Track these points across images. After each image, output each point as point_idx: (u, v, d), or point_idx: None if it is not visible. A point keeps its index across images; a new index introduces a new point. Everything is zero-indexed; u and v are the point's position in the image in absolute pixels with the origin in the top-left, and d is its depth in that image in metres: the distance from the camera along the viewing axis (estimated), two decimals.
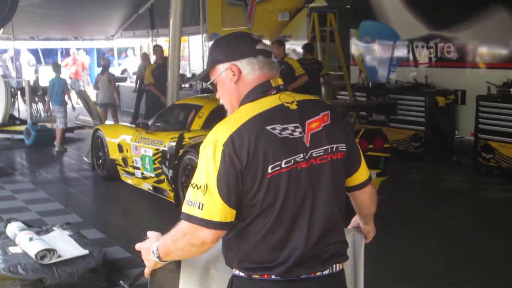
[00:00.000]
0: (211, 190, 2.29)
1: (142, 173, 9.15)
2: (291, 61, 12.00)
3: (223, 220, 2.30)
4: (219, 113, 8.30)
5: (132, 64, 28.06)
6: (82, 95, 12.61)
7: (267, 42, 15.33)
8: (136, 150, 9.23)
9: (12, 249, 5.69)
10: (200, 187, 2.30)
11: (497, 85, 10.32)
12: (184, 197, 7.28)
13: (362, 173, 2.71)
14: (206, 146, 2.37)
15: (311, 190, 2.44)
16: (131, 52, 30.81)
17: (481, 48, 11.63)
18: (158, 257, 2.48)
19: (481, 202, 8.94)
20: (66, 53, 28.29)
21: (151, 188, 8.99)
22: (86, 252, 5.61)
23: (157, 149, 8.65)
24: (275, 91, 2.50)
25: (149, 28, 22.54)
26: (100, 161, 10.28)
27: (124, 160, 9.62)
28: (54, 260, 5.36)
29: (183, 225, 2.34)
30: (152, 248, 2.49)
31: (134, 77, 21.05)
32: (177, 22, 12.10)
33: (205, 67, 2.67)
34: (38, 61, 26.49)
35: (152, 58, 16.67)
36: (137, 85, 17.24)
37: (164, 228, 7.09)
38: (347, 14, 14.56)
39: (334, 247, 2.52)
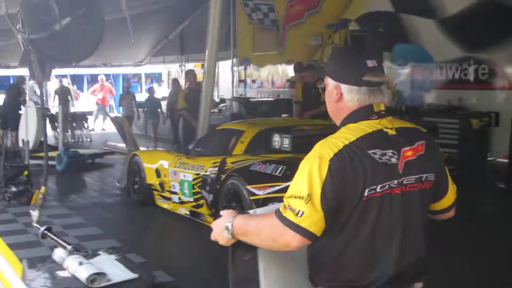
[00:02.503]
0: (314, 200, 2.35)
1: (179, 198, 9.13)
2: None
3: (316, 232, 2.37)
4: (261, 138, 8.45)
5: (160, 90, 28.21)
6: (118, 121, 12.64)
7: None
8: (174, 175, 9.22)
9: (61, 273, 5.69)
10: (302, 197, 2.36)
11: None
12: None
13: (448, 199, 2.79)
14: (310, 159, 2.43)
15: (402, 216, 2.51)
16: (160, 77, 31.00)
17: None
18: (232, 233, 2.55)
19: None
20: (92, 79, 28.56)
21: (188, 213, 8.97)
22: (135, 275, 5.59)
23: (197, 174, 8.63)
24: (376, 116, 2.56)
25: (178, 54, 22.69)
26: (136, 186, 10.26)
27: (161, 185, 9.60)
28: (104, 283, 5.35)
29: (273, 221, 2.40)
30: (227, 223, 2.56)
31: (162, 103, 21.11)
32: (213, 47, 12.15)
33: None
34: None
35: (182, 84, 16.81)
36: (168, 112, 17.33)
37: (202, 252, 7.07)
38: (380, 37, 14.52)
39: (418, 269, 2.60)
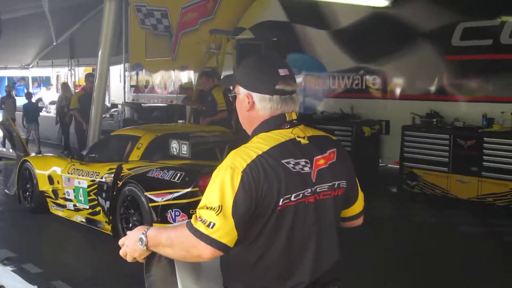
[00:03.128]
0: (225, 212, 2.33)
1: (74, 205, 8.94)
2: (217, 94, 11.91)
3: (228, 243, 2.35)
4: (158, 144, 8.36)
5: (48, 93, 27.58)
6: (6, 125, 12.22)
7: (191, 72, 15.34)
8: (68, 181, 9.02)
9: None
10: (214, 208, 2.34)
11: (421, 116, 10.79)
12: (122, 229, 7.17)
13: (358, 205, 2.86)
14: (222, 170, 2.41)
15: (316, 224, 2.53)
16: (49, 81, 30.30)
17: (405, 80, 12.01)
18: (146, 245, 2.50)
19: (412, 226, 9.22)
20: None
21: (84, 220, 8.79)
22: (34, 287, 5.45)
23: (92, 181, 8.47)
24: (288, 125, 2.56)
25: (68, 57, 22.27)
26: (28, 193, 9.97)
27: (55, 192, 9.38)
28: None
29: (185, 233, 2.38)
30: (141, 235, 2.52)
31: (51, 107, 20.70)
32: (105, 52, 12.01)
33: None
34: None
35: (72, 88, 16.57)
36: (58, 117, 17.00)
37: (101, 260, 6.96)
38: (274, 46, 14.68)
39: (332, 275, 2.64)
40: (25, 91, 21.19)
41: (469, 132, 9.96)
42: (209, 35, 13.98)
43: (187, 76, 17.32)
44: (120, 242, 2.63)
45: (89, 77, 14.44)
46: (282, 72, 2.56)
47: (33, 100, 19.56)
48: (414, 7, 11.36)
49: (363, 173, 11.30)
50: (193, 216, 2.39)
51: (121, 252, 2.63)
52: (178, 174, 7.23)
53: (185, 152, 7.89)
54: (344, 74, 12.81)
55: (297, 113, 2.63)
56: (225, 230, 2.33)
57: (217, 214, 2.33)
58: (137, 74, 19.42)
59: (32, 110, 18.79)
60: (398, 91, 12.04)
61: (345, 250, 2.68)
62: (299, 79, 13.79)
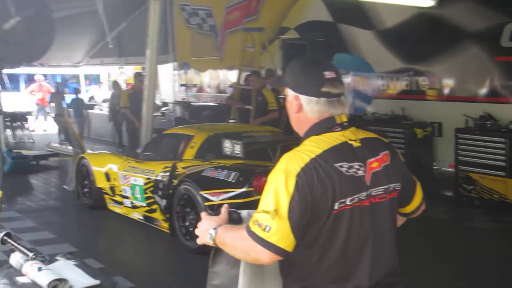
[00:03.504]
0: (281, 215, 2.35)
1: (131, 202, 9.20)
2: (267, 94, 12.14)
3: (284, 248, 2.37)
4: (211, 144, 8.56)
5: (100, 91, 28.04)
6: (61, 122, 12.57)
7: (235, 72, 15.51)
8: (125, 179, 9.29)
9: (20, 279, 5.70)
10: (269, 212, 2.37)
11: (474, 118, 10.53)
12: (179, 227, 7.33)
13: (416, 199, 2.90)
14: (277, 174, 2.43)
15: (373, 228, 2.56)
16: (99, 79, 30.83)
17: (455, 82, 11.87)
18: (214, 240, 2.56)
19: (467, 232, 9.08)
20: (29, 79, 28.12)
21: (141, 218, 9.02)
22: (97, 282, 5.65)
23: (148, 178, 8.71)
24: (339, 128, 2.57)
25: (117, 56, 22.59)
26: (86, 189, 10.29)
27: (112, 189, 9.66)
28: None
29: (245, 235, 2.42)
30: (210, 231, 2.56)
31: (103, 105, 21.11)
32: (153, 50, 12.23)
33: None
34: (3, 87, 26.29)
35: (123, 86, 16.88)
36: (111, 114, 17.37)
37: (159, 257, 7.15)
38: (319, 46, 14.76)
39: (392, 281, 2.68)
40: (57, 86, 22.68)
41: None
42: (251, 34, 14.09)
43: (235, 75, 17.51)
44: (202, 215, 2.71)
45: (138, 76, 14.66)
46: (328, 74, 2.56)
47: (79, 95, 20.80)
48: (460, 7, 11.24)
49: (416, 176, 11.37)
50: (251, 219, 2.43)
51: (197, 233, 2.67)
52: (233, 174, 7.40)
53: (238, 152, 7.96)
54: (393, 75, 12.74)
55: (348, 115, 2.63)
56: (281, 234, 2.34)
57: (273, 218, 2.34)
58: (185, 73, 19.65)
59: (78, 105, 20.08)
60: (449, 92, 11.88)
61: (399, 254, 2.76)
62: (347, 79, 13.80)
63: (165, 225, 8.37)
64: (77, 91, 21.53)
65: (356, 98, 13.69)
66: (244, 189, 7.22)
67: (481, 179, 10.08)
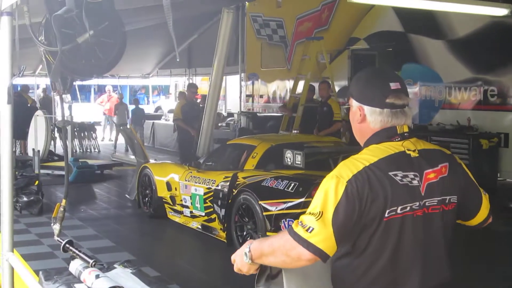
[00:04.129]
0: (325, 218, 2.36)
1: (191, 212, 9.22)
2: (334, 105, 12.06)
3: (325, 250, 2.36)
4: (272, 154, 8.49)
5: (167, 102, 28.42)
6: (127, 132, 12.70)
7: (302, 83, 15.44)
8: (186, 188, 9.30)
9: (78, 286, 5.70)
10: (314, 213, 2.38)
11: None
12: (237, 237, 7.31)
13: (482, 212, 2.82)
14: (329, 179, 2.45)
15: (424, 239, 2.52)
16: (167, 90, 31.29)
17: None
18: (251, 258, 2.56)
19: None
20: (99, 90, 28.73)
21: (200, 227, 9.04)
22: None
23: (208, 188, 8.71)
24: (399, 138, 2.57)
25: (186, 67, 22.83)
26: (147, 199, 10.35)
27: (172, 198, 9.69)
28: None
29: (285, 237, 2.43)
30: (245, 250, 2.58)
31: (169, 115, 21.36)
32: (221, 62, 12.30)
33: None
34: (74, 98, 26.87)
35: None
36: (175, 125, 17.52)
37: (216, 267, 7.11)
38: (388, 56, 14.61)
39: None
40: (120, 97, 23.46)
41: None
42: (325, 45, 14.04)
43: (301, 86, 17.42)
44: (232, 258, 2.70)
45: (191, 87, 14.98)
46: (394, 85, 2.58)
47: (139, 106, 22.07)
48: None
49: (481, 187, 11.22)
50: (295, 221, 2.44)
51: (235, 268, 2.69)
52: (292, 184, 7.30)
53: (299, 162, 7.93)
54: (461, 85, 12.57)
55: (410, 126, 2.63)
56: (323, 236, 2.35)
57: (317, 220, 2.36)
58: (252, 84, 19.71)
59: (139, 115, 21.44)
60: None
61: (459, 265, 2.64)
62: (414, 89, 13.66)
63: (222, 235, 8.35)
64: (136, 101, 22.70)
65: (423, 108, 13.47)
66: (302, 199, 7.09)
67: None
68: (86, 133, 20.39)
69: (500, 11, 10.81)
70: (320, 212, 2.37)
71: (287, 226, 7.11)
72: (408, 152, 2.55)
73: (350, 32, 15.55)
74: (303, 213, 3.25)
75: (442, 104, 13.13)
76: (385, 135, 2.58)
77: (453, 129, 12.14)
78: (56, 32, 4.49)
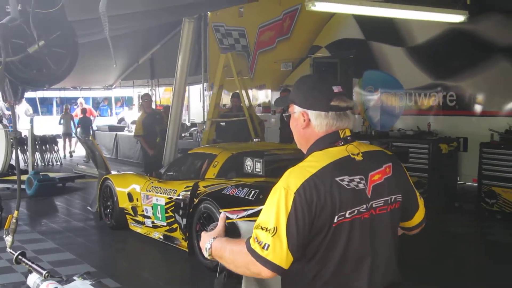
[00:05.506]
0: (279, 234, 2.38)
1: (152, 222, 9.16)
2: None
3: (281, 265, 2.39)
4: (233, 162, 8.47)
5: (130, 113, 28.30)
6: (88, 144, 12.59)
7: (268, 91, 15.61)
8: (147, 199, 9.25)
9: None
10: (269, 230, 2.39)
11: (499, 133, 10.62)
12: (198, 246, 7.29)
13: (420, 214, 2.88)
14: (277, 191, 2.46)
15: (372, 240, 2.56)
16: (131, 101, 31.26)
17: (482, 97, 11.79)
18: (210, 255, 2.63)
19: (487, 245, 9.12)
20: (61, 102, 28.52)
21: (161, 237, 8.98)
22: None
23: (170, 198, 8.67)
24: (342, 143, 2.61)
25: (149, 78, 22.75)
26: (108, 210, 10.26)
27: (134, 209, 9.63)
28: None
29: (244, 251, 2.45)
30: (206, 245, 2.64)
31: (132, 126, 21.23)
32: (183, 71, 12.27)
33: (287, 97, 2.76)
34: (35, 111, 26.59)
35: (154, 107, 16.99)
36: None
37: (178, 276, 7.05)
38: (349, 64, 14.70)
39: None
40: (81, 107, 24.44)
41: None
42: (286, 54, 14.08)
43: (264, 94, 17.47)
44: (202, 233, 2.77)
45: (145, 97, 14.76)
46: (336, 89, 2.62)
47: (86, 115, 23.23)
48: (491, 22, 11.20)
49: (440, 191, 11.34)
50: (252, 235, 2.45)
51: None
52: (253, 192, 7.30)
53: (259, 170, 7.93)
54: (421, 91, 12.68)
55: (352, 130, 2.68)
56: (278, 252, 2.37)
57: (272, 236, 2.38)
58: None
59: (86, 124, 22.41)
60: (475, 107, 11.84)
61: (418, 266, 2.67)
62: (375, 96, 13.77)
63: (184, 244, 8.31)
64: (83, 111, 23.40)
65: (384, 114, 13.59)
66: (263, 207, 7.02)
67: (504, 193, 10.27)
68: (47, 146, 20.18)
69: (457, 18, 10.92)
70: (274, 228, 2.38)
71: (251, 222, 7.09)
72: (352, 156, 2.58)
73: (312, 41, 15.58)
74: None
75: (403, 110, 13.22)
76: (329, 140, 2.61)
77: (413, 135, 12.22)
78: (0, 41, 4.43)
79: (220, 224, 2.72)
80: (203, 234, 2.73)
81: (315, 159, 2.55)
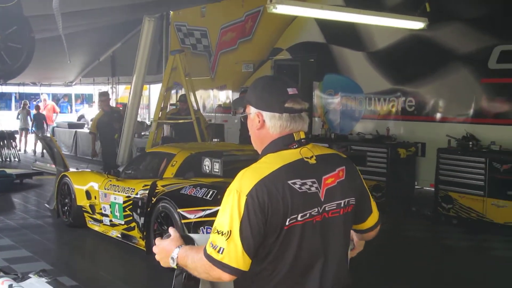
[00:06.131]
0: (233, 237, 2.39)
1: (110, 220, 9.13)
2: None
3: (239, 268, 2.40)
4: (192, 162, 8.47)
5: (90, 110, 28.09)
6: (47, 141, 12.48)
7: (229, 92, 15.67)
8: (105, 197, 9.21)
9: None
10: (224, 233, 2.40)
11: (456, 139, 10.75)
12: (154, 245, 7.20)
13: (374, 217, 2.88)
14: (230, 194, 2.47)
15: (324, 243, 2.58)
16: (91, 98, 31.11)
17: (441, 103, 11.95)
18: (177, 264, 2.60)
19: (443, 250, 9.19)
20: (20, 97, 28.19)
21: (119, 236, 8.95)
22: None
23: (128, 197, 8.65)
24: (296, 145, 2.62)
25: (109, 75, 22.61)
26: (66, 207, 10.19)
27: (92, 207, 9.58)
28: None
29: (203, 258, 2.46)
30: (172, 255, 2.60)
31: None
32: (141, 70, 12.24)
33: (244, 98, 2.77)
34: None
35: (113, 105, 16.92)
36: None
37: (135, 275, 7.07)
38: (310, 67, 14.80)
39: None
40: (35, 104, 25.07)
41: (505, 156, 9.87)
42: (247, 55, 14.11)
43: (225, 95, 17.50)
44: (157, 242, 2.72)
45: (101, 96, 14.76)
46: (291, 91, 2.62)
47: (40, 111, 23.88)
48: (450, 30, 11.34)
49: (398, 195, 11.48)
50: (208, 240, 2.46)
51: (156, 257, 2.71)
52: (211, 192, 7.32)
53: (217, 170, 7.93)
54: (380, 96, 12.80)
55: (306, 132, 2.68)
56: (234, 254, 2.39)
57: (226, 239, 2.39)
58: (176, 93, 19.65)
59: (39, 119, 22.74)
60: (434, 113, 11.97)
61: (374, 270, 2.69)
62: (335, 99, 13.87)
63: (142, 243, 8.30)
64: (37, 107, 23.98)
65: (344, 118, 13.69)
66: (220, 207, 7.06)
67: (460, 198, 10.40)
68: (5, 142, 19.93)
69: (416, 25, 11.10)
70: (228, 231, 2.39)
71: (205, 234, 7.11)
72: (306, 159, 2.59)
73: (274, 43, 15.66)
74: None
75: (362, 114, 13.33)
76: (282, 142, 2.62)
77: (372, 139, 12.34)
78: None
79: (174, 235, 2.69)
80: (159, 241, 2.71)
81: (268, 161, 2.56)
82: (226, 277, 2.41)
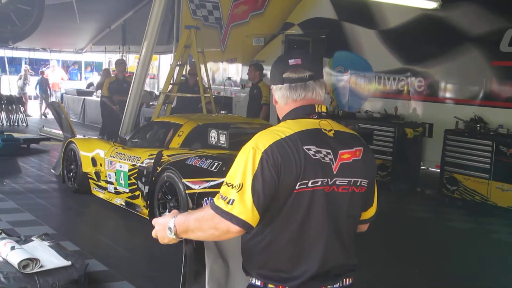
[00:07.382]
0: (245, 190, 2.42)
1: (115, 188, 9.16)
2: (263, 88, 12.17)
3: (248, 221, 2.42)
4: (198, 133, 8.48)
5: (99, 78, 28.11)
6: (55, 107, 12.48)
7: (239, 65, 15.62)
8: (110, 164, 9.24)
9: None
10: (235, 186, 2.44)
11: (464, 121, 10.71)
12: (159, 214, 7.32)
13: (372, 210, 2.89)
14: (246, 150, 2.51)
15: (331, 215, 2.58)
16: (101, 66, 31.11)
17: (450, 84, 11.91)
18: (175, 233, 2.61)
19: (446, 231, 9.18)
20: (30, 63, 28.17)
21: (123, 203, 9.00)
22: (68, 263, 5.57)
23: (133, 165, 8.67)
24: (316, 116, 2.67)
25: (120, 44, 22.55)
26: (72, 174, 10.23)
27: (97, 174, 9.62)
28: (36, 269, 5.31)
29: (210, 212, 2.47)
30: (169, 224, 2.62)
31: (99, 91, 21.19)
32: (151, 40, 12.14)
33: None
34: (3, 70, 26.23)
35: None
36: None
37: (137, 243, 7.11)
38: (321, 43, 14.75)
39: (345, 268, 2.68)
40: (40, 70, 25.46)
41: None
42: (259, 29, 14.02)
43: (235, 68, 17.45)
44: (153, 221, 2.76)
45: (119, 64, 15.00)
46: (292, 62, 2.67)
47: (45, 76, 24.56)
48: (463, 11, 11.25)
49: (403, 175, 11.45)
50: (217, 195, 2.49)
51: (153, 234, 2.76)
52: (216, 163, 7.33)
53: (223, 142, 7.97)
54: (390, 74, 12.74)
55: (327, 107, 2.74)
56: (244, 207, 2.40)
57: (237, 192, 2.41)
58: (186, 64, 19.61)
59: (44, 83, 23.64)
60: (443, 94, 11.93)
61: (375, 248, 2.68)
62: (345, 77, 13.81)
63: (145, 212, 8.34)
64: (41, 73, 24.64)
65: (352, 95, 13.67)
66: (224, 179, 7.07)
67: (465, 180, 10.37)
68: (14, 106, 19.97)
69: (430, 4, 11.04)
70: (240, 184, 2.42)
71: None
72: (324, 131, 2.62)
73: (285, 17, 15.57)
74: None
75: (371, 93, 13.29)
76: (303, 111, 2.66)
77: (380, 117, 12.31)
78: None
79: (172, 211, 2.74)
80: (155, 220, 2.75)
81: (286, 126, 2.60)
82: (235, 229, 2.42)
